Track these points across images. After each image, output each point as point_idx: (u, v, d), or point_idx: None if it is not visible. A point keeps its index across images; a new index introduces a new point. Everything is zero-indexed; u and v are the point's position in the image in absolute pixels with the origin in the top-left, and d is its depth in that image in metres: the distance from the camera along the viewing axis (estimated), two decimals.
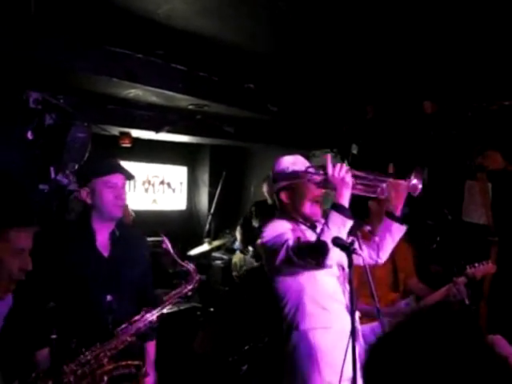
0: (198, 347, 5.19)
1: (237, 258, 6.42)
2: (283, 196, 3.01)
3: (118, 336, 2.59)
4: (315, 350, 2.79)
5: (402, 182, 2.90)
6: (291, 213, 3.00)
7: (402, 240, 4.16)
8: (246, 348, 4.70)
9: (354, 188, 2.74)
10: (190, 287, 2.84)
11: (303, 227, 2.98)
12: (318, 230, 2.93)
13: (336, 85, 5.43)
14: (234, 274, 6.31)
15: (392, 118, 5.85)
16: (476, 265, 3.96)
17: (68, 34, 3.84)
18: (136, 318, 2.67)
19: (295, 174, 2.94)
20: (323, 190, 2.95)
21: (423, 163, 5.88)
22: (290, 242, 2.74)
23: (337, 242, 2.53)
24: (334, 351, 2.73)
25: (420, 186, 2.88)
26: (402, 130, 5.88)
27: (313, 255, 2.61)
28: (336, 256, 2.60)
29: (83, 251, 2.80)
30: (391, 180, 2.89)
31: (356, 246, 2.61)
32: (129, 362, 2.61)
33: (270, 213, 6.02)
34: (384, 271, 3.86)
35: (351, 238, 2.70)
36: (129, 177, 2.97)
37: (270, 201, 6.18)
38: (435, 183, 5.91)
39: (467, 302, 3.98)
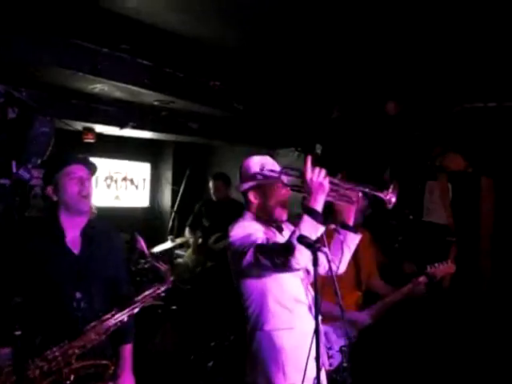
0: (158, 345, 5.18)
1: (188, 258, 6.42)
2: (251, 196, 3.00)
3: (87, 333, 2.56)
4: (279, 350, 2.82)
5: (379, 193, 2.85)
6: (259, 213, 3.01)
7: (364, 240, 4.26)
8: (211, 345, 4.71)
9: (327, 195, 2.71)
10: (163, 288, 2.81)
11: (271, 228, 3.00)
12: (285, 232, 2.96)
13: (301, 84, 5.47)
14: (186, 275, 6.29)
15: (356, 119, 5.92)
16: (436, 264, 4.07)
17: (33, 26, 3.78)
18: (106, 316, 2.64)
19: (269, 175, 2.95)
20: (290, 193, 2.96)
21: (386, 163, 5.99)
22: (259, 243, 2.74)
23: (302, 240, 2.56)
24: (297, 352, 2.77)
25: (394, 200, 2.84)
26: (366, 131, 5.96)
27: (281, 257, 2.61)
28: (305, 259, 2.59)
29: (51, 249, 2.76)
30: (367, 190, 2.86)
31: (320, 244, 2.63)
32: (96, 362, 2.60)
33: (218, 211, 6.08)
34: (347, 270, 3.92)
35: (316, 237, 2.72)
36: (91, 168, 2.94)
37: (214, 198, 6.22)
38: (397, 183, 6.01)
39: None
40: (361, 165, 5.87)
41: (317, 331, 2.45)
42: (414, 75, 4.89)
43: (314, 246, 2.51)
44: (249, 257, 2.74)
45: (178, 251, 7.18)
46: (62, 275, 2.71)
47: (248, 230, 2.86)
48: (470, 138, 5.32)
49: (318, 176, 2.66)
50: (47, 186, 2.80)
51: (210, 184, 6.32)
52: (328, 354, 3.70)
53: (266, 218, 3.00)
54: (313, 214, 2.61)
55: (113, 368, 2.69)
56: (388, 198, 2.82)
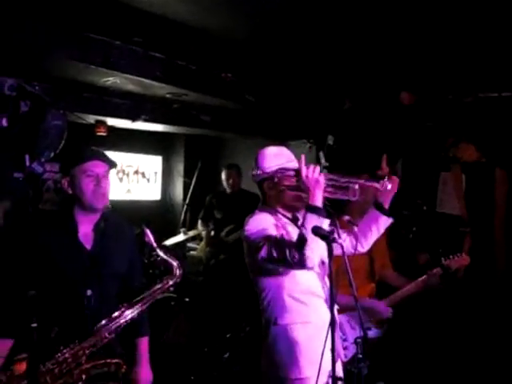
0: (172, 337, 5.19)
1: (202, 252, 6.44)
2: (266, 187, 3.02)
3: (97, 334, 2.55)
4: (294, 343, 2.82)
5: (375, 184, 2.91)
6: (273, 205, 3.02)
7: None
8: (227, 336, 4.73)
9: (324, 191, 2.75)
10: (171, 282, 2.78)
11: (285, 220, 3.00)
12: (300, 222, 2.96)
13: (313, 76, 5.46)
14: (200, 268, 6.33)
15: (369, 109, 5.90)
16: (451, 257, 4.05)
17: (45, 19, 3.79)
18: (116, 314, 2.63)
19: (267, 175, 2.96)
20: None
21: (399, 154, 5.97)
22: (272, 239, 2.75)
23: (316, 231, 2.56)
24: (312, 345, 2.78)
25: (390, 186, 2.90)
26: (379, 121, 5.94)
27: (293, 254, 2.63)
28: (316, 257, 2.64)
29: (65, 243, 2.73)
30: (363, 182, 2.89)
31: (335, 235, 2.64)
32: (107, 361, 2.59)
33: (230, 203, 6.08)
34: (361, 261, 3.92)
35: (330, 228, 2.73)
36: (111, 164, 2.93)
37: (228, 190, 6.22)
38: (410, 174, 5.99)
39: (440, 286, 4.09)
40: (373, 156, 5.84)
41: (332, 324, 2.45)
42: (427, 65, 4.86)
43: (329, 237, 2.52)
44: (263, 253, 2.75)
45: (190, 244, 7.21)
46: (73, 271, 2.69)
47: (263, 224, 2.87)
48: (483, 129, 5.29)
49: (312, 173, 2.70)
50: (63, 178, 2.78)
51: (223, 174, 6.32)
52: (342, 345, 3.71)
53: (281, 209, 3.01)
54: (314, 210, 2.65)
55: (125, 367, 2.68)
56: (384, 187, 2.88)
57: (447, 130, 5.61)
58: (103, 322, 2.59)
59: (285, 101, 6.04)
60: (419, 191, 5.71)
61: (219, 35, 4.36)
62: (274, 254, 2.71)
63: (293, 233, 2.86)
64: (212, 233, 6.38)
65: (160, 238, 6.44)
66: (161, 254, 2.80)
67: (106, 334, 2.58)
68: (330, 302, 2.54)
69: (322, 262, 2.97)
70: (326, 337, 2.47)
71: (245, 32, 4.33)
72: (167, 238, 6.47)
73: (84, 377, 2.49)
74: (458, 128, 5.52)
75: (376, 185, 2.90)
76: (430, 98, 5.44)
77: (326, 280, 2.97)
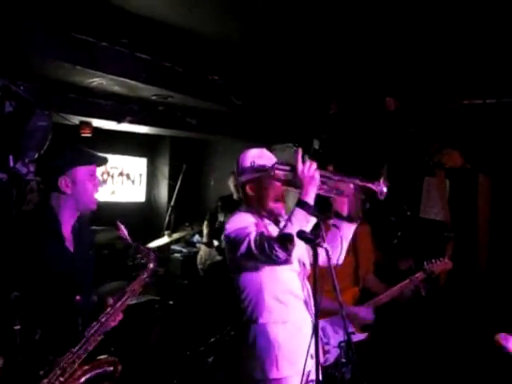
0: (155, 340, 5.18)
1: (203, 251, 6.45)
2: (248, 189, 3.02)
3: (90, 340, 2.52)
4: (273, 343, 2.84)
5: (369, 184, 2.88)
6: (255, 206, 3.02)
7: (365, 235, 4.27)
8: (211, 340, 4.72)
9: (318, 188, 2.76)
10: (146, 273, 2.77)
11: (267, 221, 3.01)
12: (281, 225, 2.97)
13: (300, 79, 5.47)
14: (200, 267, 6.35)
15: (354, 114, 5.93)
16: (433, 261, 4.08)
17: (32, 19, 3.76)
18: (104, 316, 2.60)
19: (261, 169, 2.96)
20: (285, 189, 2.98)
21: (383, 159, 6.00)
22: (252, 236, 2.75)
23: (301, 235, 2.57)
24: (291, 345, 2.81)
25: (385, 191, 2.86)
26: (364, 126, 5.97)
27: (273, 249, 2.63)
28: (293, 252, 2.63)
29: (53, 246, 2.69)
30: (357, 182, 2.89)
31: (321, 239, 2.64)
32: (104, 360, 2.59)
33: (235, 207, 6.10)
34: (345, 265, 3.92)
35: (316, 232, 2.73)
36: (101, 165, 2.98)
37: (235, 196, 6.20)
38: (395, 179, 6.02)
39: (423, 294, 4.10)
40: (358, 161, 5.88)
41: (316, 328, 2.46)
42: (412, 71, 4.89)
43: (313, 241, 2.52)
44: (243, 248, 2.76)
45: (174, 246, 7.19)
46: (63, 275, 2.65)
47: (244, 222, 2.88)
48: (467, 135, 5.33)
49: (308, 169, 2.71)
50: (60, 176, 2.70)
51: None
52: (324, 349, 3.72)
53: (263, 210, 3.01)
54: (304, 206, 2.66)
55: (120, 366, 2.66)
56: (379, 188, 2.84)
57: (432, 135, 5.66)
58: (93, 325, 2.55)
59: (271, 104, 6.05)
60: (404, 196, 5.74)
61: (206, 37, 4.36)
62: (253, 249, 2.71)
63: (273, 232, 2.86)
64: (215, 242, 6.37)
65: (144, 241, 6.45)
66: (137, 246, 2.83)
67: (98, 337, 2.55)
68: (313, 305, 2.55)
69: (303, 264, 2.99)
70: (310, 342, 2.47)
71: (232, 35, 4.33)
72: (151, 240, 6.45)
73: (83, 379, 2.47)
74: (443, 134, 5.56)
75: (371, 186, 2.86)
76: (415, 104, 5.48)
77: (306, 281, 3.00)
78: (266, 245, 2.66)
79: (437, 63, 4.61)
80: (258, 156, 3.03)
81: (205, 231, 6.55)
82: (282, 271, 2.89)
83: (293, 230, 2.59)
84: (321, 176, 2.76)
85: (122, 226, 2.81)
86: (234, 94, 5.62)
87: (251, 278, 2.92)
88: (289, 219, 2.66)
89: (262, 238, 2.72)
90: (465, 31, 3.90)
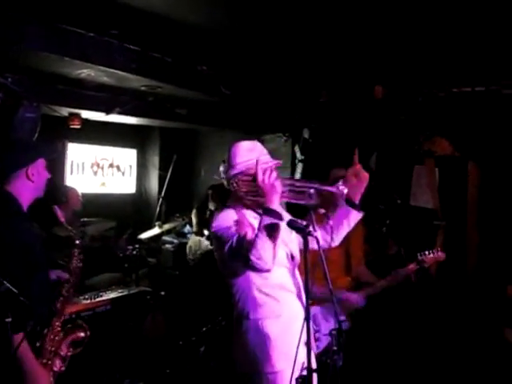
0: (147, 331, 5.19)
1: (192, 241, 6.44)
2: (237, 182, 3.03)
3: (61, 311, 2.87)
4: (266, 339, 2.84)
5: (329, 188, 2.89)
6: (242, 200, 3.02)
7: (358, 225, 4.29)
8: (203, 330, 4.74)
9: (282, 195, 2.80)
10: (77, 250, 3.01)
11: (253, 215, 2.99)
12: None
13: (289, 68, 5.47)
14: (190, 257, 6.33)
15: (344, 103, 5.93)
16: (426, 253, 4.10)
17: (19, 9, 3.75)
18: (64, 292, 2.91)
19: (231, 174, 2.98)
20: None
21: (373, 148, 6.02)
22: (235, 240, 2.77)
23: (291, 224, 2.59)
24: (285, 339, 2.81)
25: (346, 191, 2.89)
26: (354, 115, 5.98)
27: (248, 260, 2.66)
28: (270, 258, 2.66)
29: (31, 232, 2.86)
30: (317, 186, 2.90)
31: (311, 228, 2.65)
32: (75, 327, 2.96)
33: (227, 196, 6.09)
34: (337, 254, 3.95)
35: (306, 221, 2.74)
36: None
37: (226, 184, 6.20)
38: (384, 168, 6.05)
39: (413, 280, 4.14)
40: (347, 149, 5.89)
41: (307, 318, 2.48)
42: (400, 59, 4.90)
43: (304, 230, 2.54)
44: (226, 250, 2.79)
45: (165, 237, 7.19)
46: (39, 256, 2.81)
47: (228, 221, 2.88)
48: (457, 123, 5.36)
49: (268, 178, 2.75)
50: (29, 166, 2.82)
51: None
52: (315, 336, 3.75)
53: (253, 204, 3.01)
54: (269, 212, 2.68)
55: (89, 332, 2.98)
56: (340, 190, 2.87)
57: (421, 123, 5.68)
58: (61, 299, 2.89)
59: (260, 94, 6.05)
60: (393, 185, 5.76)
61: (194, 27, 4.35)
62: (235, 253, 2.75)
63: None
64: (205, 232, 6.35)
65: (135, 232, 6.46)
66: (68, 228, 3.02)
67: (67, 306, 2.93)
68: (304, 295, 2.56)
69: (292, 257, 3.00)
70: (301, 331, 2.50)
71: (221, 24, 4.32)
72: (142, 231, 6.46)
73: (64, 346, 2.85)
74: (432, 122, 5.58)
75: (331, 189, 2.89)
76: (404, 92, 5.49)
77: (297, 275, 3.01)
78: (243, 255, 2.69)
79: (425, 51, 4.62)
80: (249, 149, 3.01)
81: (194, 220, 6.52)
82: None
83: (264, 238, 2.62)
84: (283, 183, 2.81)
85: (57, 208, 3.03)
86: (223, 83, 5.62)
87: (240, 274, 2.91)
88: (258, 228, 2.68)
89: (242, 245, 2.75)
90: (453, 18, 3.91)
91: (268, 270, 2.75)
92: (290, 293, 2.95)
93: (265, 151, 3.04)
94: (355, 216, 3.13)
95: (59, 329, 2.83)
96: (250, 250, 2.64)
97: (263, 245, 2.62)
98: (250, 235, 2.80)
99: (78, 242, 3.02)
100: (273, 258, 2.68)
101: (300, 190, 2.90)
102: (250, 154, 2.99)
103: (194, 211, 6.56)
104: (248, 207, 3.00)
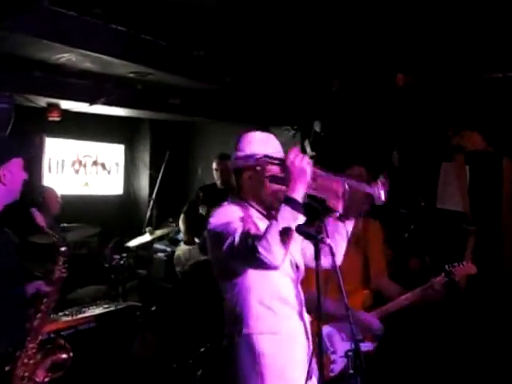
0: (137, 352, 5.18)
1: (181, 250, 6.41)
2: (245, 176, 3.00)
3: (38, 330, 2.84)
4: (258, 356, 2.81)
5: (367, 188, 2.87)
6: (247, 197, 3.02)
7: (375, 231, 4.28)
8: (200, 351, 4.73)
9: (309, 186, 2.75)
10: (61, 259, 3.00)
11: (257, 215, 3.00)
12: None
13: (298, 53, 5.47)
14: (178, 269, 6.30)
15: (360, 92, 5.92)
16: (455, 265, 4.08)
17: None
18: (43, 305, 2.89)
19: (251, 159, 2.95)
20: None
21: (393, 143, 6.01)
22: (238, 234, 2.73)
23: (301, 230, 2.57)
24: (280, 358, 2.80)
25: (383, 197, 2.85)
26: (371, 106, 5.97)
27: (256, 252, 2.63)
28: (279, 253, 2.61)
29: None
30: (354, 183, 2.89)
31: (324, 235, 2.64)
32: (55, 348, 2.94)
33: (219, 199, 6.07)
34: (353, 264, 3.93)
35: (318, 226, 2.73)
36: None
37: (219, 184, 6.19)
38: (407, 166, 6.03)
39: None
40: (365, 144, 5.88)
41: (320, 337, 2.47)
42: (426, 42, 4.89)
43: (315, 238, 2.53)
44: (226, 247, 2.74)
45: (156, 245, 7.19)
46: (8, 265, 2.82)
47: (230, 216, 2.85)
48: (489, 114, 5.34)
49: (300, 160, 2.70)
50: (0, 166, 2.84)
51: (214, 165, 6.23)
52: (330, 359, 3.73)
53: (256, 203, 3.00)
54: (291, 202, 2.65)
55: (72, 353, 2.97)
56: (377, 193, 2.85)
57: (448, 115, 5.66)
58: (38, 316, 2.85)
59: (265, 81, 6.04)
60: (417, 185, 5.74)
61: (191, 7, 4.35)
62: (236, 248, 2.69)
63: (264, 228, 2.86)
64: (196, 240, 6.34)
65: (122, 239, 6.46)
66: (49, 233, 3.00)
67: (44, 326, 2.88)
68: (317, 310, 2.55)
69: (297, 267, 2.99)
70: (311, 361, 2.51)
71: (220, 3, 4.32)
72: (130, 238, 6.45)
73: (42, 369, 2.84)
74: (461, 113, 5.56)
75: (369, 190, 2.86)
76: (429, 80, 5.48)
77: (300, 288, 2.99)
78: (248, 246, 2.66)
79: (452, 33, 4.61)
80: (264, 140, 3.01)
81: (182, 227, 6.47)
82: (273, 275, 2.85)
83: (277, 228, 2.58)
84: (313, 174, 2.76)
85: (37, 212, 3.00)
86: (222, 70, 5.62)
87: (237, 280, 2.88)
88: (274, 217, 2.65)
89: (246, 237, 2.71)
90: None
91: (276, 268, 2.69)
92: (292, 308, 2.94)
93: (280, 147, 3.02)
94: (342, 227, 3.08)
95: (35, 351, 2.79)
96: (259, 239, 2.59)
97: (276, 236, 2.57)
98: (254, 231, 2.79)
99: (63, 249, 3.00)
100: (284, 256, 2.64)
101: (328, 187, 2.91)
102: (265, 146, 2.96)
103: (181, 216, 6.50)
104: (252, 206, 3.00)
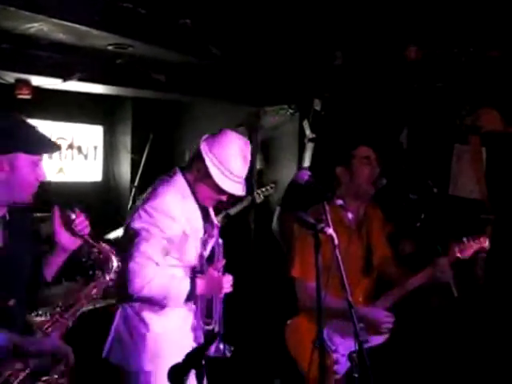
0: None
1: None
2: (197, 164, 3.41)
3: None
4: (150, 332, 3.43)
5: None
6: (193, 185, 3.38)
7: (377, 218, 4.31)
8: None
9: None
10: (108, 276, 2.97)
11: (196, 208, 3.38)
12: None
13: (295, 22, 5.45)
14: None
15: (365, 66, 5.91)
16: (464, 240, 4.08)
17: None
18: (47, 324, 2.76)
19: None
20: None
21: (403, 123, 6.00)
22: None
23: (300, 218, 2.60)
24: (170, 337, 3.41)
25: None
26: (378, 81, 5.95)
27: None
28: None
29: None
30: None
31: (324, 224, 2.66)
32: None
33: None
34: (355, 251, 3.96)
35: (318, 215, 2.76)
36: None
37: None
38: (417, 148, 6.03)
39: (455, 295, 4.11)
40: (371, 125, 5.88)
41: (321, 339, 2.49)
42: (439, 11, 4.87)
43: (315, 227, 2.54)
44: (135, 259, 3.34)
45: None
46: None
47: (172, 216, 3.24)
48: (509, 90, 5.33)
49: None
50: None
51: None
52: (333, 359, 3.76)
53: (197, 197, 3.38)
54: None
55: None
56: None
57: (463, 92, 5.65)
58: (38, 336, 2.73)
59: (260, 55, 6.02)
60: (428, 169, 5.75)
61: None
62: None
63: (194, 231, 3.28)
64: None
65: (101, 230, 6.44)
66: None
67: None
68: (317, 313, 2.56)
69: (204, 244, 3.41)
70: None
71: None
72: (111, 229, 6.46)
73: None
74: (478, 90, 5.55)
75: None
76: (442, 53, 5.46)
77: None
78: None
79: (466, 2, 4.60)
80: (240, 148, 3.43)
81: None
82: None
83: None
84: None
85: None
86: (212, 42, 5.59)
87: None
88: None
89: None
90: None
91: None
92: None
93: (247, 162, 3.39)
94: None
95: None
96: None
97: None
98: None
99: (116, 260, 3.08)
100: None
101: None
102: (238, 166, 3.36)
103: None
104: (194, 196, 3.38)
